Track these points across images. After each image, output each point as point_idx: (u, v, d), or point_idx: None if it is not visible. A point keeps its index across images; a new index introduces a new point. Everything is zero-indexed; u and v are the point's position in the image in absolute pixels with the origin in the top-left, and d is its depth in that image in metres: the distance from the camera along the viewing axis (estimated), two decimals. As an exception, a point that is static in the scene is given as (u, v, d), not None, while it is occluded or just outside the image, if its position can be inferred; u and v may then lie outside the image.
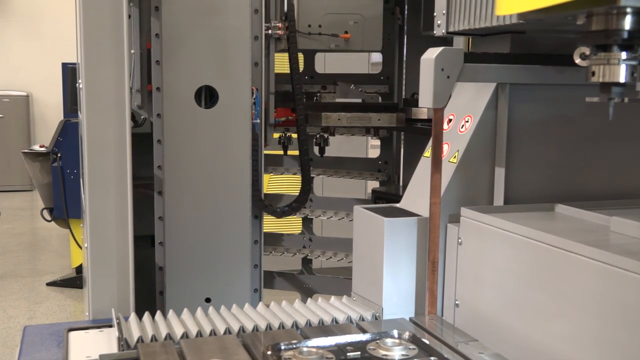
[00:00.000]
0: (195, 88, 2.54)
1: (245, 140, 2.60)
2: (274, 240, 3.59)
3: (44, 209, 5.70)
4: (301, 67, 3.58)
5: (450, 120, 1.93)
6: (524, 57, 1.81)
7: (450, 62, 1.66)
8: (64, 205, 5.45)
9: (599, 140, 1.88)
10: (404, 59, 3.59)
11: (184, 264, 2.61)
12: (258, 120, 2.61)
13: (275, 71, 2.81)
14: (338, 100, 3.31)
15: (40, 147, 6.08)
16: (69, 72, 6.27)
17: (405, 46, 3.55)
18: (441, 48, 1.66)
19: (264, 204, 2.69)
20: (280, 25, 2.69)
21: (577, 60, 1.38)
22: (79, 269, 5.83)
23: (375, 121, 3.02)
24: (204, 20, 2.52)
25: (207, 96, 2.59)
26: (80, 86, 2.19)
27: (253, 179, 2.63)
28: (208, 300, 2.61)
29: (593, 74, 1.34)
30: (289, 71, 2.82)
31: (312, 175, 3.01)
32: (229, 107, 2.58)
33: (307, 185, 2.87)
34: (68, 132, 5.45)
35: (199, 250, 2.61)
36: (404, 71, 3.57)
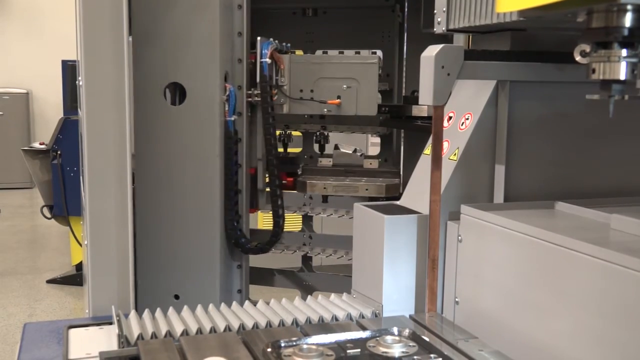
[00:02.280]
0: (163, 85, 2.52)
1: (212, 137, 2.55)
2: (273, 238, 3.58)
3: (44, 206, 5.71)
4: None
5: (450, 118, 1.93)
6: (524, 55, 1.81)
7: (451, 60, 1.66)
8: (64, 203, 5.46)
9: (599, 137, 1.88)
10: (404, 56, 3.59)
11: (155, 262, 2.59)
12: (233, 118, 2.59)
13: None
14: (335, 164, 3.36)
15: (40, 144, 6.08)
16: (69, 70, 6.26)
17: (405, 44, 3.55)
18: (441, 45, 1.66)
19: (237, 230, 2.67)
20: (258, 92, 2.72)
21: (578, 58, 1.38)
22: (79, 267, 5.84)
23: (363, 190, 3.02)
24: (172, 15, 2.48)
25: (180, 93, 2.57)
26: (80, 83, 2.19)
27: (226, 177, 2.59)
28: (177, 297, 2.59)
29: (593, 71, 1.33)
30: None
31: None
32: (197, 104, 2.54)
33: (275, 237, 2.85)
34: (68, 130, 5.45)
35: (169, 249, 2.59)
36: (404, 69, 3.57)
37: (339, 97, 2.82)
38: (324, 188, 3.02)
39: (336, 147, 3.50)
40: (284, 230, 3.67)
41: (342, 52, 3.07)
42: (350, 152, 3.43)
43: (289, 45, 2.94)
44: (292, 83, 2.84)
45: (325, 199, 3.34)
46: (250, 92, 2.69)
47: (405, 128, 3.47)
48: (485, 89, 1.85)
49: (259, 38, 2.66)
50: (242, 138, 2.70)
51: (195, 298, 2.52)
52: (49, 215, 5.68)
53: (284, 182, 3.16)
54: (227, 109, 2.57)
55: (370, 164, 3.33)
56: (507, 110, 1.81)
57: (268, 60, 2.65)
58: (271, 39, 2.71)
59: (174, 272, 2.59)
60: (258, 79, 2.65)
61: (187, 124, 2.55)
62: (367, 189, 3.00)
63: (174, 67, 2.51)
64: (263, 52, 2.65)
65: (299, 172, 3.31)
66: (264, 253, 2.88)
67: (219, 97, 2.54)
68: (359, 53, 3.02)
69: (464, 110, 1.89)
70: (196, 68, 2.53)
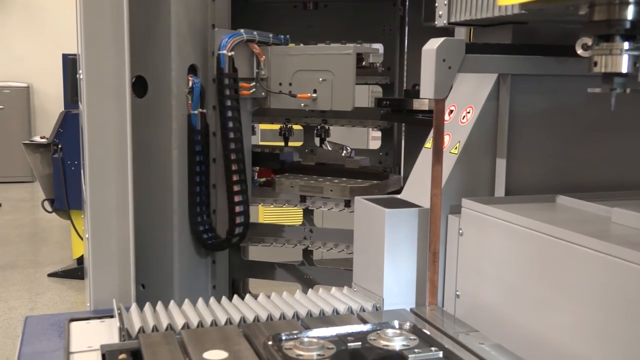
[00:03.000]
0: (131, 77, 2.49)
1: (168, 130, 2.52)
2: (274, 232, 3.58)
3: (45, 200, 5.71)
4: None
5: (451, 111, 1.93)
6: (526, 48, 1.80)
7: (452, 53, 1.66)
8: (65, 197, 5.46)
9: (600, 131, 1.88)
10: (405, 50, 3.58)
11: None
12: (197, 111, 2.54)
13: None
14: (322, 162, 3.20)
15: (41, 138, 6.08)
16: (69, 63, 6.26)
17: (406, 37, 3.54)
18: (443, 39, 1.66)
19: (202, 224, 2.61)
20: (243, 84, 2.64)
21: (579, 51, 1.37)
22: (80, 260, 5.84)
23: (328, 192, 2.86)
24: (132, 6, 2.46)
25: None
26: (81, 77, 2.18)
27: (189, 171, 2.55)
28: (143, 286, 2.55)
29: (595, 64, 1.33)
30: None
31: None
32: (156, 97, 2.51)
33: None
34: (69, 124, 5.45)
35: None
36: (405, 62, 3.56)
37: (315, 91, 2.68)
38: (291, 187, 2.91)
39: (321, 144, 3.33)
40: (285, 224, 3.67)
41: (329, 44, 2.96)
42: (336, 150, 3.27)
43: (282, 37, 2.87)
44: (272, 76, 2.74)
45: (303, 198, 3.26)
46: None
47: (406, 122, 3.46)
48: (486, 82, 1.84)
49: (215, 29, 2.58)
50: (215, 132, 2.66)
51: (157, 289, 2.51)
52: (50, 209, 5.69)
53: (268, 179, 3.09)
54: (190, 102, 2.52)
55: (352, 163, 3.15)
56: (509, 104, 1.80)
57: (228, 53, 2.57)
58: (242, 30, 2.63)
59: (138, 261, 2.55)
60: (215, 72, 2.59)
61: (147, 117, 2.52)
62: (331, 190, 2.86)
63: (138, 60, 2.47)
64: (222, 44, 2.57)
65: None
66: (222, 250, 2.80)
67: (177, 90, 2.50)
68: (345, 44, 2.86)
69: (465, 104, 1.88)
70: (154, 61, 2.49)
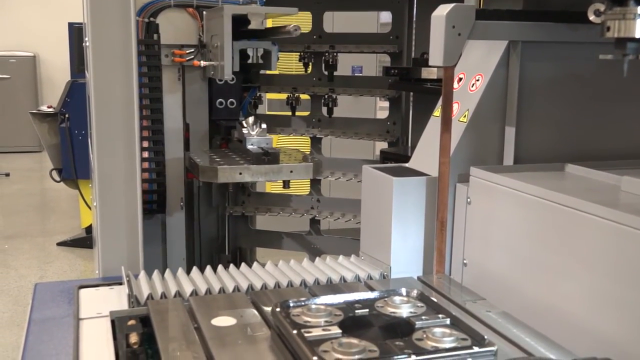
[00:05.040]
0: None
1: None
2: (281, 201, 3.59)
3: (53, 169, 5.72)
4: (309, 27, 3.52)
5: (460, 79, 1.91)
6: (537, 14, 1.77)
7: (462, 19, 1.63)
8: (73, 166, 5.47)
9: (611, 99, 1.86)
10: (414, 18, 3.54)
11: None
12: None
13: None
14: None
15: (48, 107, 6.08)
16: (76, 32, 6.23)
17: (415, 4, 3.50)
18: (452, 5, 1.63)
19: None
20: (176, 51, 2.59)
21: (591, 17, 1.35)
22: (89, 230, 5.88)
23: (199, 171, 2.61)
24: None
25: None
26: (87, 45, 2.17)
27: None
28: None
29: (608, 29, 1.31)
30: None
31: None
32: None
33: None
34: (75, 93, 5.44)
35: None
36: (414, 30, 3.53)
37: (210, 59, 2.56)
38: (191, 162, 2.74)
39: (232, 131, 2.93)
40: (292, 194, 3.67)
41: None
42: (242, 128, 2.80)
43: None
44: (208, 42, 2.63)
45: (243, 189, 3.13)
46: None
47: (414, 91, 3.44)
48: (496, 49, 1.82)
49: None
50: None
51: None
52: (58, 179, 5.70)
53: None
54: None
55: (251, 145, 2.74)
56: (519, 71, 1.78)
57: (143, 20, 2.50)
58: None
59: None
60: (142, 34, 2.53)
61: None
62: (199, 170, 2.62)
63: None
64: (139, 11, 2.50)
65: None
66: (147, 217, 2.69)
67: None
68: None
69: (474, 72, 1.86)
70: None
